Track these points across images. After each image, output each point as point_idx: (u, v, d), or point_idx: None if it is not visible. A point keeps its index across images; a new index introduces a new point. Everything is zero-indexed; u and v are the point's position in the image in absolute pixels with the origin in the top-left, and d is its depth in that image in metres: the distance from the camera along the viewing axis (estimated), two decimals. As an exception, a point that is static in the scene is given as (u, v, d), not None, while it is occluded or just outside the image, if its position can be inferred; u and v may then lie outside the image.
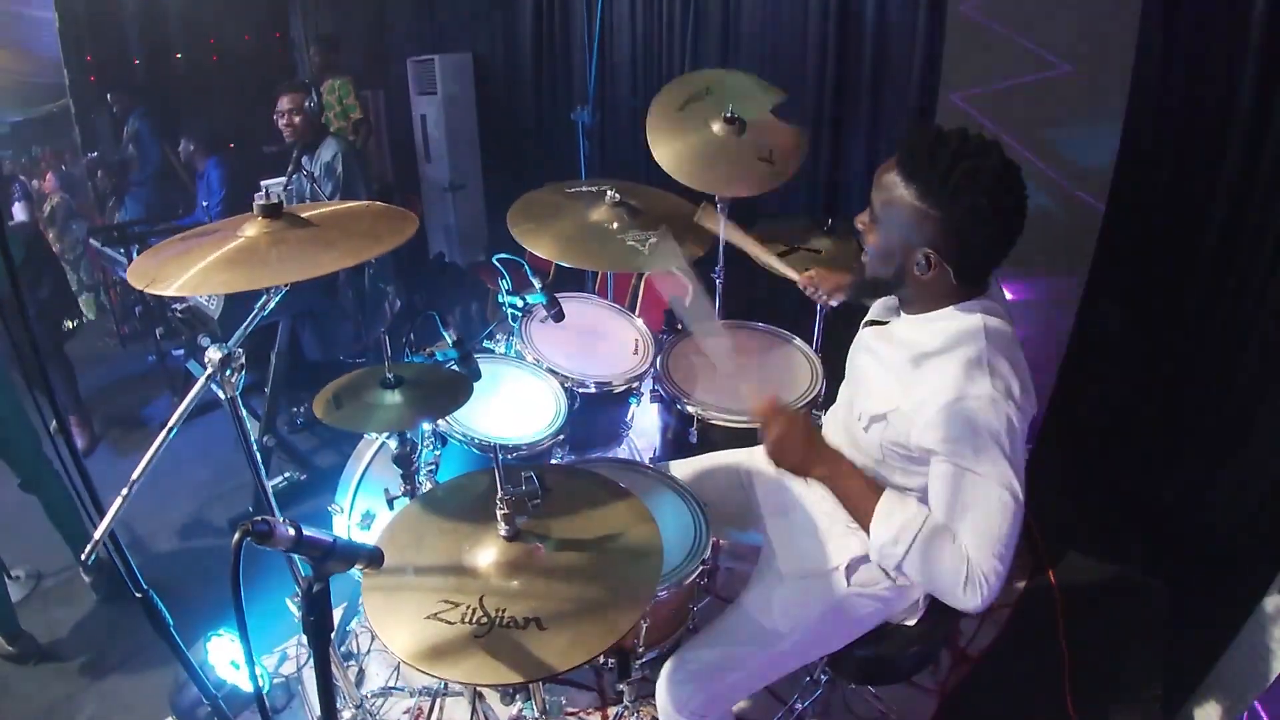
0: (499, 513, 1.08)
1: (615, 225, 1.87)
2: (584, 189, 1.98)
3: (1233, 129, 1.79)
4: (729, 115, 1.93)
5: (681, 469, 1.68)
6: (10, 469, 2.19)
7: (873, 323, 1.31)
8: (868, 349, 1.28)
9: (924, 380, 1.10)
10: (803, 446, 1.18)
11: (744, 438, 1.73)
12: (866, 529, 1.14)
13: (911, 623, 1.37)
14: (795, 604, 1.34)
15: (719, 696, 1.35)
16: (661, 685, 1.35)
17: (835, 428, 1.38)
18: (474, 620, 0.97)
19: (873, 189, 1.14)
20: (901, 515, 1.11)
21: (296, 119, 3.03)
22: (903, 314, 1.22)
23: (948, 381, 1.06)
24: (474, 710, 1.73)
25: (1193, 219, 1.91)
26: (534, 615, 0.98)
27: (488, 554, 1.08)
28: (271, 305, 1.31)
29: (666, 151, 1.92)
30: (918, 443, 1.10)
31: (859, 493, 1.16)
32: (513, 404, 1.84)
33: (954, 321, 1.12)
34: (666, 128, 1.96)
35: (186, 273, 1.10)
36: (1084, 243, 2.02)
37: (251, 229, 1.20)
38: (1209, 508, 1.98)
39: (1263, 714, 1.38)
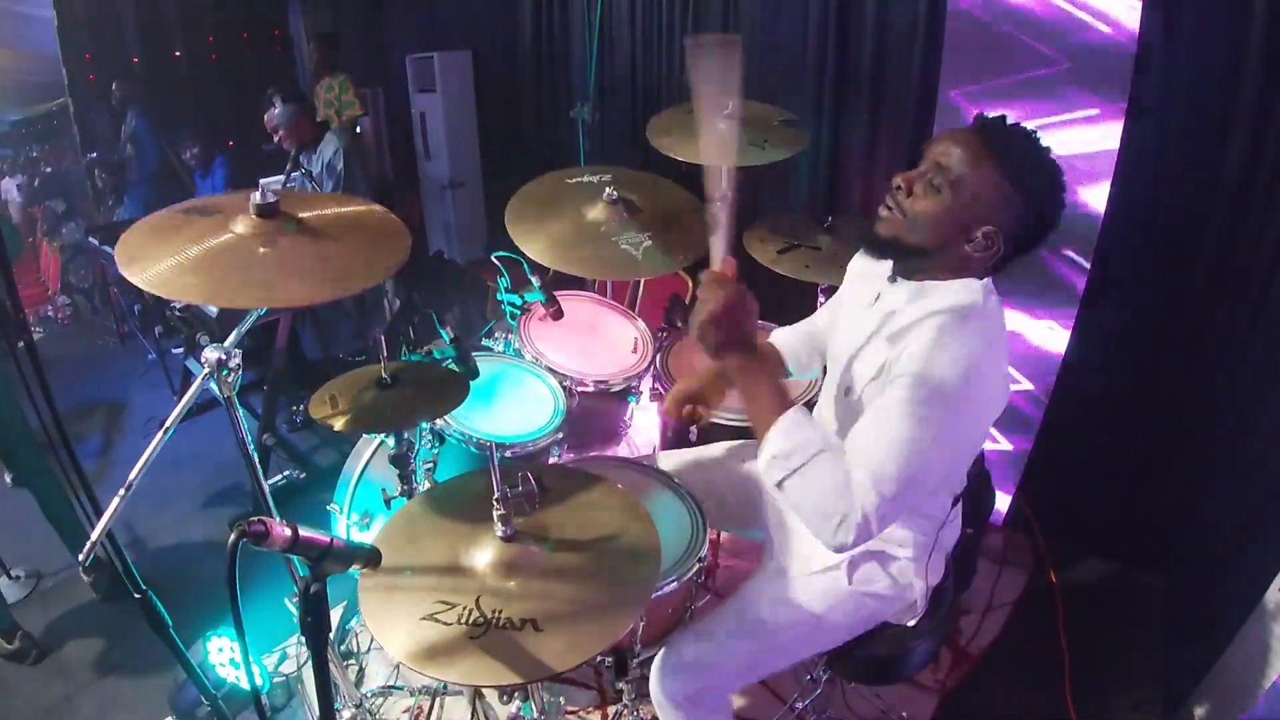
0: (495, 513, 1.07)
1: (610, 225, 1.83)
2: (584, 179, 1.95)
3: (1234, 127, 1.78)
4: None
5: (675, 460, 1.67)
6: (4, 464, 2.19)
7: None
8: (859, 312, 1.26)
9: (914, 336, 1.08)
10: (741, 324, 1.09)
11: (744, 436, 1.73)
12: (762, 436, 1.07)
13: (911, 622, 1.37)
14: (794, 599, 1.34)
15: (713, 688, 1.35)
16: (654, 675, 1.35)
17: (826, 406, 1.37)
18: (470, 621, 0.97)
19: (938, 154, 1.10)
20: (802, 434, 1.05)
21: (280, 133, 3.07)
22: (899, 280, 1.20)
23: (929, 335, 1.05)
24: (473, 709, 1.73)
25: (1193, 218, 1.91)
26: (530, 617, 0.97)
27: (485, 554, 1.08)
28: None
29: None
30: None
31: (769, 395, 1.08)
32: (511, 402, 1.84)
33: (960, 291, 1.12)
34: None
35: (166, 261, 1.09)
36: (1085, 241, 2.02)
37: (243, 226, 1.19)
38: (1209, 508, 1.98)
39: (1263, 714, 1.38)
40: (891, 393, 1.04)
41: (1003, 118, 1.11)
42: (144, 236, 1.17)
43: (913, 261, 1.17)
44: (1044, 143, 1.10)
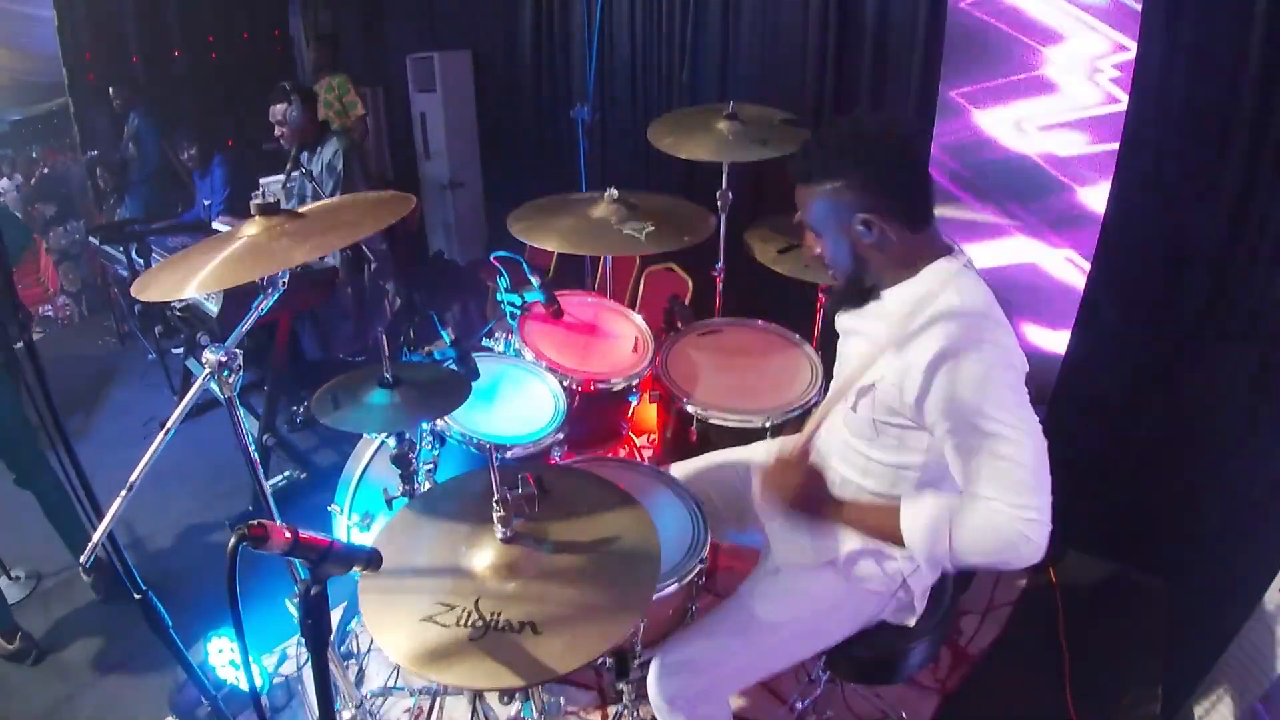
0: (495, 515, 1.07)
1: (614, 219, 1.93)
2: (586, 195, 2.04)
3: (1234, 126, 1.78)
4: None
5: (681, 470, 1.68)
6: (5, 465, 2.19)
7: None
8: (849, 331, 1.33)
9: (910, 343, 1.12)
10: (820, 490, 1.21)
11: (744, 437, 1.73)
12: (900, 545, 1.15)
13: (910, 622, 1.37)
14: (791, 597, 1.35)
15: (711, 688, 1.35)
16: (653, 676, 1.34)
17: (831, 423, 1.37)
18: (469, 623, 0.97)
19: (799, 215, 1.23)
20: (926, 514, 1.12)
21: (283, 129, 3.05)
22: (881, 294, 1.25)
23: (932, 341, 1.09)
24: (474, 710, 1.73)
25: (1194, 216, 1.91)
26: (529, 619, 0.97)
27: (484, 556, 1.07)
28: (270, 303, 1.30)
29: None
30: (907, 401, 1.13)
31: (880, 516, 1.18)
32: (511, 402, 1.84)
33: (930, 279, 1.16)
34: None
35: (195, 277, 1.10)
36: (1085, 240, 2.02)
37: (252, 228, 1.19)
38: (1209, 508, 1.97)
39: (1263, 714, 1.38)
40: (967, 433, 1.09)
41: (802, 147, 1.20)
42: (159, 276, 1.19)
43: (869, 285, 1.25)
44: (834, 119, 1.13)
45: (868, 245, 1.17)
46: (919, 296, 1.15)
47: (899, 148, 1.16)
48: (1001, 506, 1.06)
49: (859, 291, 1.26)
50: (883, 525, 1.18)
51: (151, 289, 1.12)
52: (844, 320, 1.34)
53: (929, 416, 1.12)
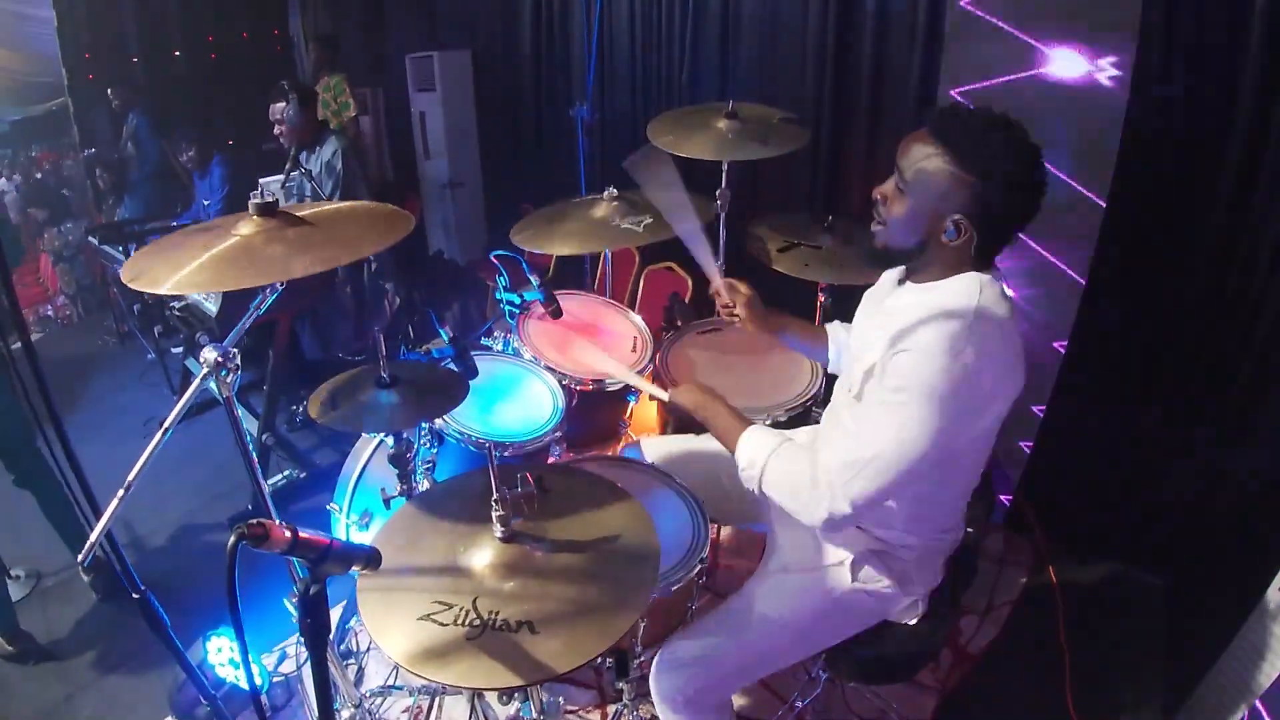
0: (494, 514, 1.07)
1: (614, 216, 1.95)
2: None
3: (1234, 125, 1.78)
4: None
5: (659, 448, 1.68)
6: (4, 465, 2.19)
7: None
8: (869, 316, 1.33)
9: (910, 339, 1.11)
10: (705, 395, 1.34)
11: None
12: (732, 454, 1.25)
13: (912, 622, 1.37)
14: (795, 597, 1.34)
15: (712, 686, 1.35)
16: (654, 675, 1.34)
17: (835, 409, 1.38)
18: (467, 623, 0.97)
19: (899, 158, 1.16)
20: (758, 441, 1.22)
21: (282, 127, 3.05)
22: (908, 283, 1.23)
23: (922, 340, 1.08)
24: (473, 709, 1.73)
25: (1194, 216, 1.90)
26: (527, 619, 0.97)
27: (483, 555, 1.07)
28: (269, 303, 1.30)
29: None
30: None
31: (730, 422, 1.29)
32: (510, 401, 1.84)
33: (956, 288, 1.14)
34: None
35: (179, 272, 1.09)
36: (1085, 240, 2.01)
37: (247, 228, 1.19)
38: (1209, 507, 1.97)
39: (1263, 714, 1.38)
40: (879, 392, 1.11)
41: (953, 107, 1.14)
42: (147, 262, 1.17)
43: (909, 265, 1.23)
44: (1007, 122, 1.09)
45: (940, 240, 1.13)
46: (936, 296, 1.14)
47: (1036, 187, 1.10)
48: (825, 474, 1.11)
49: (889, 259, 1.26)
50: (728, 432, 1.28)
51: (142, 279, 1.09)
52: (862, 310, 1.36)
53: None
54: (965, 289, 1.12)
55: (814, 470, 1.13)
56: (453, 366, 1.60)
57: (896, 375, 1.08)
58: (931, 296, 1.14)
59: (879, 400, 1.10)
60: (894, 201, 1.17)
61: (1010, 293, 1.17)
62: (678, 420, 1.39)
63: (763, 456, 1.21)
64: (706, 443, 1.68)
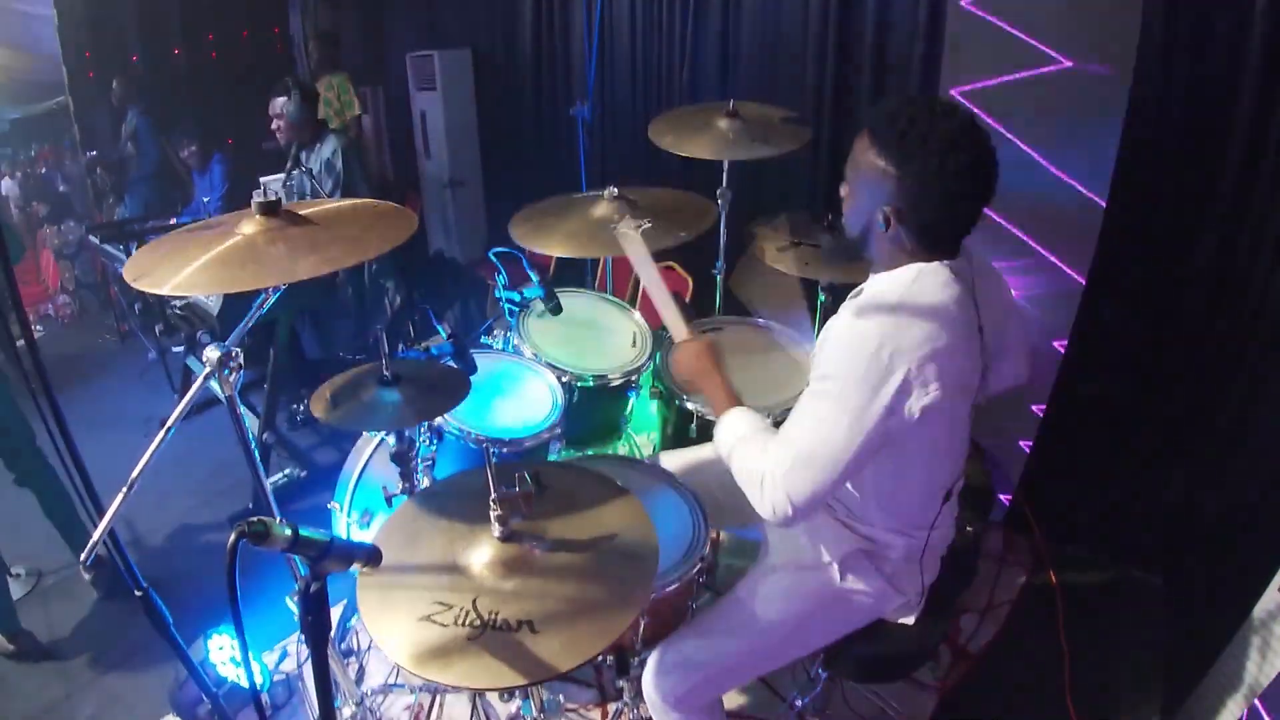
0: (493, 513, 1.07)
1: (614, 217, 1.90)
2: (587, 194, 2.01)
3: (1234, 125, 1.78)
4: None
5: (677, 459, 1.67)
6: (5, 464, 2.19)
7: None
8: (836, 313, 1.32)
9: (832, 326, 1.16)
10: (708, 363, 1.34)
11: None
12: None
13: (910, 620, 1.37)
14: (787, 596, 1.34)
15: (705, 687, 1.35)
16: (648, 674, 1.35)
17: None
18: (467, 623, 0.97)
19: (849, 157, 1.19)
20: (729, 425, 1.24)
21: (280, 124, 3.05)
22: (870, 275, 1.24)
23: (836, 328, 1.13)
24: (474, 707, 1.73)
25: (1194, 216, 1.90)
26: (526, 619, 0.97)
27: (482, 554, 1.07)
28: (270, 302, 1.30)
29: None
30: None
31: (715, 396, 1.31)
32: (510, 399, 1.84)
33: (890, 277, 1.15)
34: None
35: (181, 272, 1.09)
36: (1085, 240, 2.01)
37: (249, 227, 1.19)
38: (1209, 506, 1.98)
39: (1263, 713, 1.38)
40: (811, 383, 1.15)
41: (895, 100, 1.13)
42: (150, 259, 1.17)
43: (864, 256, 1.24)
44: (947, 110, 1.07)
45: (877, 231, 1.14)
46: (883, 285, 1.15)
47: (953, 177, 1.06)
48: (772, 465, 1.12)
49: (850, 250, 1.27)
50: (716, 408, 1.29)
51: (146, 279, 1.09)
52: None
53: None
54: (896, 280, 1.14)
55: (763, 465, 1.14)
56: (451, 363, 1.60)
57: (818, 365, 1.14)
58: (869, 287, 1.19)
59: (809, 391, 1.14)
60: (846, 195, 1.22)
61: (962, 289, 1.13)
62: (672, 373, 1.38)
63: (726, 450, 1.23)
64: (700, 450, 1.70)
